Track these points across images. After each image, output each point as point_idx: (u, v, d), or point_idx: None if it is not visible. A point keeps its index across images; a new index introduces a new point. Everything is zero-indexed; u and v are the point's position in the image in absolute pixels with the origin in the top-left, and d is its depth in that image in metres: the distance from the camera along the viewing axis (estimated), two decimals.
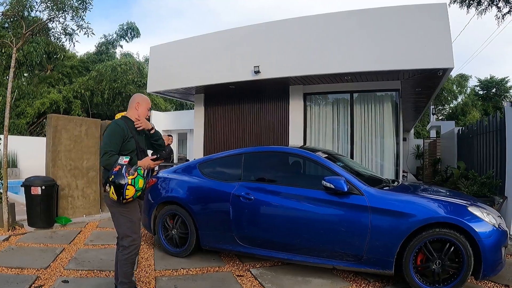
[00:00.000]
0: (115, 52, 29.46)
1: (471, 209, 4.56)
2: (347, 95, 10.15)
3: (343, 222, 4.78)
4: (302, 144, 10.28)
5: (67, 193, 8.45)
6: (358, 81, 9.76)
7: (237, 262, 5.70)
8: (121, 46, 29.53)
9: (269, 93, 10.86)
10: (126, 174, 3.71)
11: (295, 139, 10.40)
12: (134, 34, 28.43)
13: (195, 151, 11.98)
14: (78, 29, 9.20)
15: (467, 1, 16.37)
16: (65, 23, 9.25)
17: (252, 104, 11.14)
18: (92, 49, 30.86)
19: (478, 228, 4.32)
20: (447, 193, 5.50)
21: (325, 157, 5.42)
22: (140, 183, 3.78)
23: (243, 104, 11.29)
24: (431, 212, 4.47)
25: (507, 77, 34.68)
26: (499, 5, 15.88)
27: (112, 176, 3.71)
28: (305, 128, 10.44)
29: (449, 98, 34.43)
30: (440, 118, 34.36)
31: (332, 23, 9.08)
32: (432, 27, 8.23)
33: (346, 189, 4.71)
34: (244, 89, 10.97)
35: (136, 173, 3.77)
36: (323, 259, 4.93)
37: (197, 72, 10.59)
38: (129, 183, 3.69)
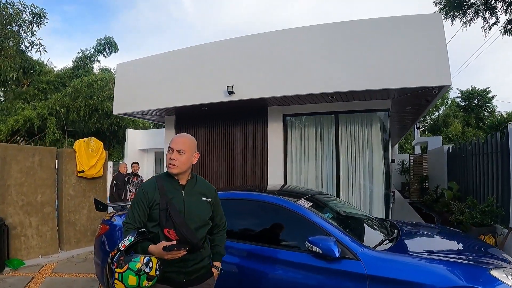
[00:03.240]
0: (93, 67, 27.99)
1: (493, 272, 3.45)
2: (331, 116, 8.88)
3: None
4: (282, 169, 9.02)
5: (19, 232, 7.25)
6: (343, 101, 8.52)
7: None
8: (99, 61, 28.06)
9: (246, 115, 9.56)
10: (115, 264, 2.49)
11: (274, 165, 9.13)
12: (112, 49, 27.03)
13: None
14: (29, 46, 7.90)
15: (451, 13, 15.54)
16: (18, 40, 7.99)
17: (227, 126, 9.82)
18: (69, 63, 29.44)
19: None
20: (462, 245, 4.47)
21: (309, 206, 4.15)
22: (131, 280, 2.47)
23: (217, 127, 9.95)
24: (446, 280, 3.34)
25: (488, 87, 34.61)
26: (485, 16, 15.04)
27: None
28: (285, 152, 9.15)
29: (430, 110, 33.69)
30: (421, 129, 33.57)
31: (314, 37, 7.82)
32: (426, 41, 7.10)
33: (337, 255, 3.52)
34: (218, 111, 9.67)
35: (126, 266, 2.47)
36: None
37: (166, 93, 9.25)
38: (116, 277, 2.47)
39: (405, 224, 5.40)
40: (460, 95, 35.22)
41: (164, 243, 2.56)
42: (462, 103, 35.51)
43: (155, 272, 2.51)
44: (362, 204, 8.55)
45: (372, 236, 4.44)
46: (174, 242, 2.61)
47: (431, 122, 36.09)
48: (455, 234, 5.15)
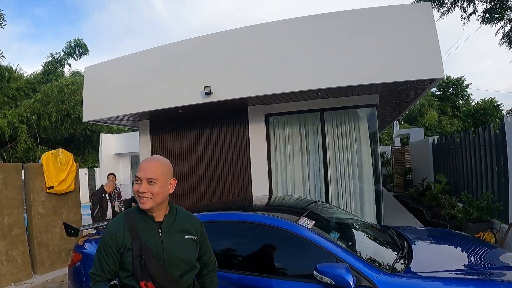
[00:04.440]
0: (63, 71, 26.86)
1: None
2: (316, 114, 8.24)
3: None
4: (266, 173, 8.37)
5: None
6: (329, 97, 7.91)
7: None
8: (69, 65, 27.03)
9: (225, 116, 8.84)
10: None
11: (257, 168, 8.43)
12: (82, 51, 26.02)
13: None
14: None
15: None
16: None
17: (206, 129, 9.08)
18: (39, 69, 28.24)
19: None
20: (479, 255, 3.92)
21: (312, 226, 3.48)
22: None
23: (195, 131, 9.20)
24: None
25: (463, 76, 34.74)
26: (463, 6, 14.68)
27: None
28: (269, 154, 8.48)
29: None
30: (398, 119, 33.39)
31: (296, 31, 7.12)
32: (416, 31, 6.55)
33: (353, 285, 2.89)
34: (195, 113, 8.92)
35: None
36: None
37: (138, 96, 8.42)
38: None
39: (408, 232, 4.84)
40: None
41: None
42: (437, 93, 35.50)
43: None
44: (353, 205, 7.99)
45: (383, 253, 3.83)
46: None
47: (407, 112, 35.92)
48: (464, 239, 4.59)
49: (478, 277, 3.13)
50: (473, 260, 3.74)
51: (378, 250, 3.93)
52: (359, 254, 3.27)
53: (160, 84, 8.17)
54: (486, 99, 20.19)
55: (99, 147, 19.08)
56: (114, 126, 24.11)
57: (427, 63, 6.44)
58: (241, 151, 8.62)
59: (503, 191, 7.27)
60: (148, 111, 8.56)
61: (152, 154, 9.74)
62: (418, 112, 33.65)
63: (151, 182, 2.15)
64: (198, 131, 9.14)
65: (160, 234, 2.19)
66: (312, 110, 8.18)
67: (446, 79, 34.54)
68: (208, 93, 7.45)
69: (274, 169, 8.45)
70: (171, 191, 2.26)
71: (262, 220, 3.67)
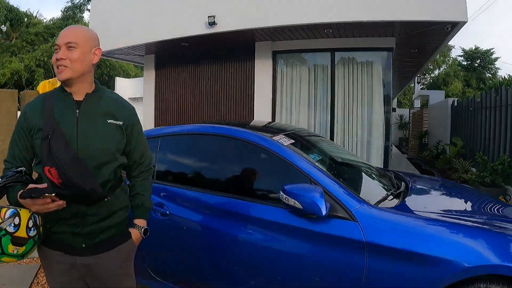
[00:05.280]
0: (83, 17, 26.44)
1: None
2: (327, 54, 7.59)
3: (317, 267, 2.50)
4: (270, 115, 7.85)
5: None
6: (341, 37, 7.29)
7: None
8: (88, 10, 26.39)
9: (231, 52, 8.29)
10: None
11: (261, 108, 7.90)
12: None
13: (145, 123, 9.28)
14: None
15: None
16: None
17: (210, 65, 8.55)
18: (58, 14, 27.90)
19: None
20: (488, 206, 3.31)
21: (289, 144, 2.97)
22: (9, 248, 1.56)
23: (199, 66, 8.68)
24: (475, 256, 2.28)
25: (492, 48, 33.03)
26: None
27: None
28: (274, 94, 7.91)
29: (431, 67, 32.43)
30: (421, 87, 32.29)
31: None
32: None
33: (324, 212, 2.38)
34: (200, 47, 8.43)
35: None
36: None
37: (143, 28, 7.94)
38: None
39: (411, 177, 4.34)
40: (462, 54, 33.63)
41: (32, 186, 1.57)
42: (464, 63, 33.99)
43: (27, 233, 1.58)
44: (359, 154, 7.45)
45: (372, 189, 3.34)
46: (45, 185, 1.58)
47: (431, 80, 34.76)
48: (472, 192, 4.05)
49: (484, 226, 2.62)
50: (482, 210, 3.22)
51: (368, 184, 3.45)
52: (340, 180, 2.75)
53: (164, 14, 7.67)
54: None
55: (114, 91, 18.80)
56: (131, 71, 23.82)
57: (450, 3, 5.86)
58: (245, 89, 8.11)
59: None
60: (152, 43, 8.11)
61: (156, 89, 9.37)
62: (443, 81, 32.35)
63: (70, 47, 1.71)
64: (203, 67, 8.64)
65: (77, 114, 1.76)
66: (323, 49, 7.56)
67: (474, 49, 33.10)
68: (212, 23, 6.94)
69: (278, 110, 7.93)
70: (94, 61, 1.81)
71: (230, 133, 3.15)
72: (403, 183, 3.54)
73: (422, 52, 8.71)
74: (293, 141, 3.11)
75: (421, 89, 29.42)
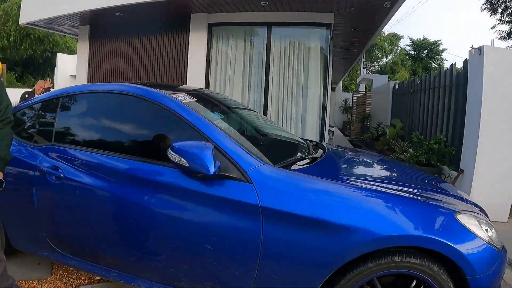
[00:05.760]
0: None
1: (462, 218, 2.27)
2: (263, 29, 7.36)
3: (209, 235, 2.30)
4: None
5: None
6: (278, 10, 7.04)
7: (70, 272, 3.30)
8: None
9: (166, 24, 7.89)
10: None
11: (194, 81, 7.55)
12: None
13: None
14: None
15: None
16: None
17: (145, 37, 8.11)
18: None
19: (473, 255, 2.15)
20: (409, 175, 3.25)
21: (189, 102, 2.72)
22: None
23: (134, 38, 8.23)
24: (389, 225, 2.12)
25: (440, 40, 33.82)
26: None
27: None
28: (208, 69, 7.60)
29: (379, 55, 32.97)
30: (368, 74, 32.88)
31: None
32: None
33: (212, 171, 2.15)
34: (135, 19, 7.99)
35: None
36: None
37: None
38: None
39: (337, 147, 4.20)
40: (411, 43, 34.38)
41: None
42: (412, 52, 34.75)
43: None
44: (293, 131, 7.29)
45: (282, 152, 3.16)
46: None
47: (379, 68, 35.34)
48: (398, 163, 3.95)
49: (406, 194, 2.43)
50: (412, 181, 3.07)
51: (277, 147, 3.28)
52: (237, 139, 2.51)
53: None
54: (459, 67, 19.63)
55: (55, 68, 17.95)
56: (75, 47, 22.74)
57: None
58: (180, 63, 7.75)
59: (457, 135, 6.68)
60: (86, 12, 7.60)
61: (89, 61, 8.86)
62: (390, 70, 33.01)
63: None
64: (138, 40, 8.21)
65: None
66: (259, 23, 7.31)
67: (423, 40, 33.83)
68: None
69: (212, 85, 7.63)
70: None
71: (124, 89, 2.85)
72: (321, 150, 3.38)
73: (363, 31, 8.63)
74: (196, 99, 2.87)
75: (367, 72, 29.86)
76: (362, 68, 21.26)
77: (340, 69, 15.28)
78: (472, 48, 5.96)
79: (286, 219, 2.13)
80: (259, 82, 7.42)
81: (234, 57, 7.58)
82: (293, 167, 2.63)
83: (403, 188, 2.57)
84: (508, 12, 17.05)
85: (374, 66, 35.56)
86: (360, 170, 3.32)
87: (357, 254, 2.08)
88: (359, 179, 2.72)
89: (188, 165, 2.18)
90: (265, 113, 7.29)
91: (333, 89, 14.48)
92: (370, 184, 2.53)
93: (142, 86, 2.81)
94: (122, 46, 8.39)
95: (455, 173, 6.28)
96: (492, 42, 6.09)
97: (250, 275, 2.22)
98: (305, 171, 2.53)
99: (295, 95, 7.36)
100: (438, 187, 2.96)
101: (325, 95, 7.33)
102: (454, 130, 6.92)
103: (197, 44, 7.52)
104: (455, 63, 7.62)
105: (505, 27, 18.21)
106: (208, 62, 7.56)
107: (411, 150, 8.52)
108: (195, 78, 7.51)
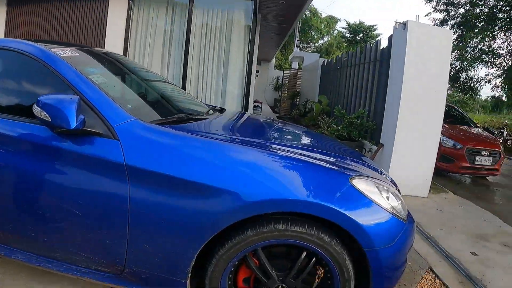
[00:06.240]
0: None
1: (358, 183, 2.10)
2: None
3: (75, 198, 2.05)
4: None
5: None
6: None
7: None
8: None
9: None
10: None
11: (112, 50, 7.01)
12: None
13: None
14: None
15: None
16: None
17: (63, 3, 7.43)
18: None
19: (371, 224, 2.00)
20: (311, 140, 3.12)
21: (68, 56, 2.39)
22: None
23: (52, 4, 7.49)
24: (264, 188, 1.94)
25: (376, 25, 34.68)
26: None
27: None
28: (127, 38, 7.10)
29: (315, 37, 33.32)
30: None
31: None
32: None
33: (74, 125, 1.92)
34: None
35: None
36: (57, 261, 2.21)
37: None
38: None
39: (245, 113, 4.02)
40: (347, 27, 35.12)
41: None
42: (348, 35, 35.41)
43: None
44: (213, 102, 7.02)
45: (168, 111, 2.97)
46: None
47: (315, 50, 35.75)
48: (308, 131, 3.77)
49: (287, 155, 2.23)
50: (306, 144, 2.95)
51: (165, 107, 3.05)
52: (111, 95, 2.23)
53: None
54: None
55: None
56: None
57: None
58: (97, 30, 7.19)
59: (379, 110, 6.74)
60: None
61: (6, 29, 8.05)
62: (326, 52, 33.48)
63: None
64: (56, 6, 7.48)
65: None
66: None
67: (359, 24, 34.65)
68: None
69: (131, 54, 7.17)
70: None
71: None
72: (217, 113, 3.21)
73: (291, 5, 8.47)
74: (78, 55, 2.57)
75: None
76: (296, 47, 21.26)
77: (272, 45, 15.13)
78: (396, 22, 5.97)
79: (153, 179, 1.95)
80: (180, 53, 7.05)
81: (155, 27, 7.12)
82: (175, 126, 2.36)
83: (295, 149, 2.41)
84: (442, 1, 17.58)
85: (310, 47, 35.91)
86: (252, 130, 3.15)
87: (232, 221, 1.92)
88: (249, 139, 2.54)
89: (50, 120, 1.93)
90: (184, 84, 6.94)
91: (259, 63, 14.30)
92: (258, 144, 2.35)
93: (18, 40, 2.46)
94: (40, 13, 7.65)
95: (375, 147, 6.35)
96: (417, 17, 6.14)
97: (121, 244, 2.03)
98: (182, 129, 2.28)
99: (215, 67, 7.05)
100: (349, 155, 2.80)
101: (250, 69, 7.13)
102: (376, 105, 6.99)
103: (117, 12, 6.99)
104: (380, 39, 7.72)
105: (439, 15, 18.82)
106: (127, 31, 7.08)
107: (335, 126, 8.62)
108: (113, 47, 7.01)
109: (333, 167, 2.22)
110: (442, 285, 3.17)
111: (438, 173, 7.74)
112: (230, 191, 1.90)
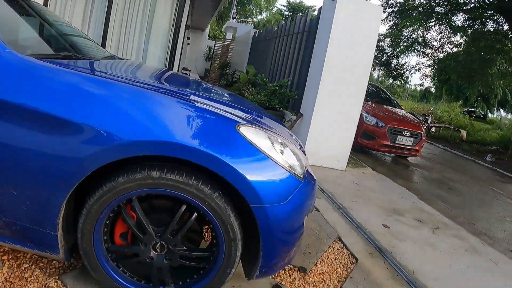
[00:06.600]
0: None
1: (246, 131, 1.82)
2: None
3: None
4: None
5: None
6: None
7: None
8: None
9: None
10: None
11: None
12: None
13: None
14: None
15: None
16: None
17: None
18: None
19: (257, 178, 1.74)
20: (211, 94, 2.62)
21: None
22: None
23: None
24: (135, 128, 1.67)
25: (315, 5, 34.91)
26: None
27: None
28: None
29: (254, 12, 32.99)
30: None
31: None
32: None
33: None
34: None
35: None
36: None
37: None
38: None
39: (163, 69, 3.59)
40: (286, 4, 35.08)
41: None
42: (286, 13, 35.39)
43: None
44: (133, 57, 6.46)
45: (60, 50, 2.51)
46: None
47: (252, 25, 35.53)
48: (231, 93, 3.35)
49: (178, 96, 1.96)
50: (202, 95, 2.57)
51: (58, 46, 2.63)
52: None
53: None
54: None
55: None
56: None
57: None
58: None
59: (303, 81, 6.49)
60: None
61: None
62: (263, 27, 33.36)
63: None
64: None
65: None
66: None
67: (299, 2, 34.73)
68: None
69: (51, 8, 6.38)
70: None
71: None
72: (118, 59, 2.86)
73: None
74: None
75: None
76: (232, 18, 20.68)
77: (205, 13, 14.53)
78: None
79: (18, 113, 1.63)
80: (102, 13, 6.36)
81: None
82: (52, 60, 1.95)
83: (209, 102, 2.10)
84: None
85: (247, 21, 35.53)
86: (155, 75, 2.76)
87: (99, 163, 1.63)
88: (136, 80, 2.17)
89: None
90: (104, 42, 6.32)
91: (191, 30, 13.69)
92: (144, 84, 2.01)
93: None
94: None
95: (294, 117, 6.19)
96: None
97: None
98: (59, 65, 1.86)
99: (138, 29, 6.45)
100: (255, 111, 2.51)
101: (176, 32, 6.60)
102: (300, 76, 6.81)
103: None
104: (310, 9, 7.49)
105: (378, 2, 18.88)
106: None
107: (259, 96, 8.39)
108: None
109: (221, 113, 1.90)
110: (350, 255, 3.00)
111: (360, 150, 7.78)
112: (92, 128, 1.61)
